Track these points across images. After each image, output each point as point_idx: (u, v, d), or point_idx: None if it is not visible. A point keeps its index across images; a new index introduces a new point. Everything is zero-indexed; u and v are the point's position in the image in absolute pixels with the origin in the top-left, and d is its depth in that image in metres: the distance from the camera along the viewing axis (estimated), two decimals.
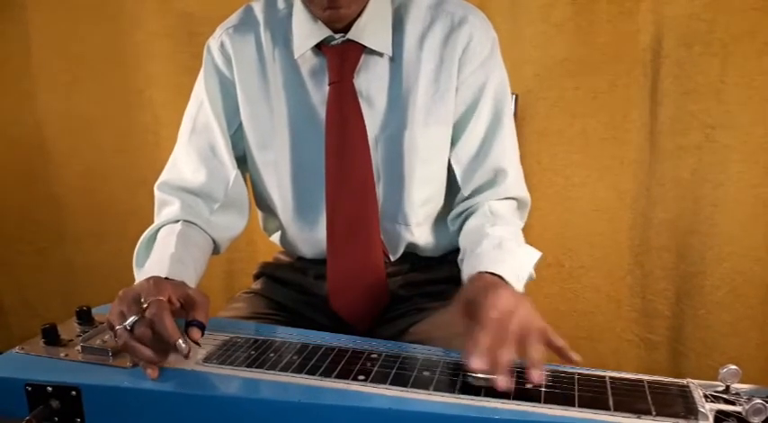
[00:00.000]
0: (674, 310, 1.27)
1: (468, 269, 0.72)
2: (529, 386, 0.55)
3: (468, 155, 0.84)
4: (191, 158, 0.85)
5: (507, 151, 0.84)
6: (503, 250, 0.73)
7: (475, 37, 0.81)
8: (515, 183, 0.84)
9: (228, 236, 0.88)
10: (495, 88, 0.83)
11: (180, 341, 0.59)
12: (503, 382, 0.54)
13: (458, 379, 0.57)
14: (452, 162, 0.84)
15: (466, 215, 0.84)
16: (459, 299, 0.65)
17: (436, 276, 0.90)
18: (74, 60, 1.57)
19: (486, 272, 0.68)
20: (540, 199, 1.30)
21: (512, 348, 0.56)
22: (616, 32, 1.18)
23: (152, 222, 0.84)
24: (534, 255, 0.77)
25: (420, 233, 0.87)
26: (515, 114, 1.17)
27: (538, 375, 0.55)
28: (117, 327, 0.61)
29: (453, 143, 0.84)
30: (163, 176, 0.87)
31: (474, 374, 0.55)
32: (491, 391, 0.54)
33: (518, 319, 0.58)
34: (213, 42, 0.86)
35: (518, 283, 0.70)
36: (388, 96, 0.82)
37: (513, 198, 0.85)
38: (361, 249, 0.83)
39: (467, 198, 0.85)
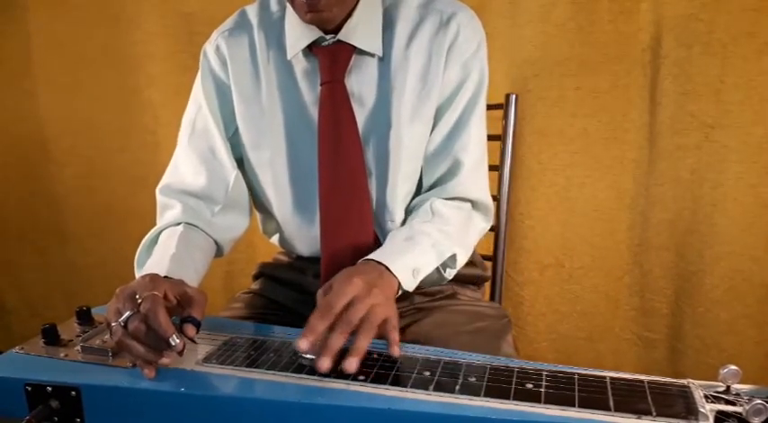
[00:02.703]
0: (673, 309, 1.27)
1: (371, 254, 0.73)
2: (529, 386, 0.55)
3: (432, 148, 0.85)
4: (191, 161, 0.86)
5: (468, 147, 0.84)
6: (411, 243, 0.74)
7: (462, 33, 0.81)
8: (470, 180, 0.84)
9: (231, 237, 0.89)
10: (473, 87, 0.84)
11: (174, 336, 0.59)
12: (323, 363, 0.56)
13: (458, 379, 0.57)
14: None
15: (413, 210, 0.85)
16: (329, 281, 0.66)
17: None
18: (74, 60, 1.57)
19: (373, 260, 0.70)
20: (540, 199, 1.30)
21: (342, 334, 0.58)
22: (616, 32, 1.18)
23: (153, 222, 0.85)
24: (445, 254, 0.78)
25: None
26: (515, 114, 1.17)
27: (351, 363, 0.57)
28: (112, 323, 0.61)
29: None
30: (164, 180, 0.88)
31: (303, 355, 0.57)
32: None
33: (359, 308, 0.60)
34: (209, 46, 0.87)
35: (411, 278, 0.71)
36: (377, 96, 0.82)
37: (465, 199, 0.85)
38: (353, 245, 0.83)
39: (424, 191, 0.86)
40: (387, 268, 0.69)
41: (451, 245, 0.79)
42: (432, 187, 0.86)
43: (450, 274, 0.81)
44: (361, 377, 0.58)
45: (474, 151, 0.85)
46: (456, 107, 0.83)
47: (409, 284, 0.72)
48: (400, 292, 0.71)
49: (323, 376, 0.58)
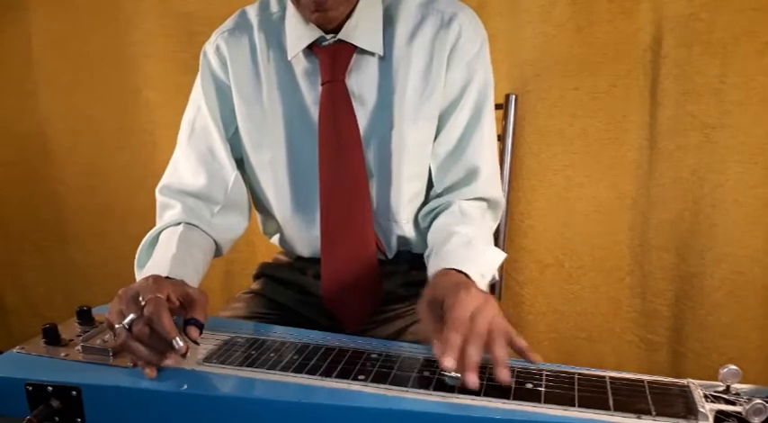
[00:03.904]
0: (674, 311, 1.27)
1: (434, 266, 0.73)
2: (529, 386, 0.55)
3: (444, 152, 0.84)
4: (190, 162, 0.86)
5: (483, 151, 0.84)
6: (470, 249, 0.74)
7: (464, 35, 0.81)
8: (488, 183, 0.85)
9: (230, 237, 0.89)
10: (479, 88, 0.84)
11: (177, 339, 0.59)
12: (472, 379, 0.55)
13: (459, 379, 0.57)
14: (430, 158, 0.85)
15: (436, 213, 0.85)
16: (425, 295, 0.66)
17: None
18: (75, 60, 1.58)
19: (453, 269, 0.69)
20: (540, 199, 1.30)
21: (480, 347, 0.57)
22: (616, 32, 1.18)
23: (153, 222, 0.85)
24: (500, 256, 0.78)
25: (410, 229, 0.87)
26: (515, 114, 1.17)
27: (506, 374, 0.56)
28: (116, 326, 0.61)
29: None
30: (163, 180, 0.88)
31: (447, 373, 0.56)
32: (466, 389, 0.55)
33: (485, 319, 0.59)
34: (209, 47, 0.87)
35: (482, 282, 0.71)
36: (378, 95, 0.82)
37: (483, 199, 0.85)
38: (354, 246, 0.83)
39: (438, 195, 0.86)
40: (467, 276, 0.68)
41: (493, 246, 0.80)
42: (448, 190, 0.85)
43: (497, 274, 0.81)
44: (361, 377, 0.58)
45: (489, 155, 0.85)
46: (464, 109, 0.83)
47: (484, 289, 0.71)
48: None
49: (474, 394, 0.55)
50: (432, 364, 0.60)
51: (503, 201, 0.89)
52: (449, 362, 0.55)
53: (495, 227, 0.90)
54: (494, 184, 0.87)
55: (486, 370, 0.59)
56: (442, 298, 0.62)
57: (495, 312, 0.61)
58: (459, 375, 0.55)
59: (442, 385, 0.56)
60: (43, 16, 1.57)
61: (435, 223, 0.83)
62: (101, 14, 1.52)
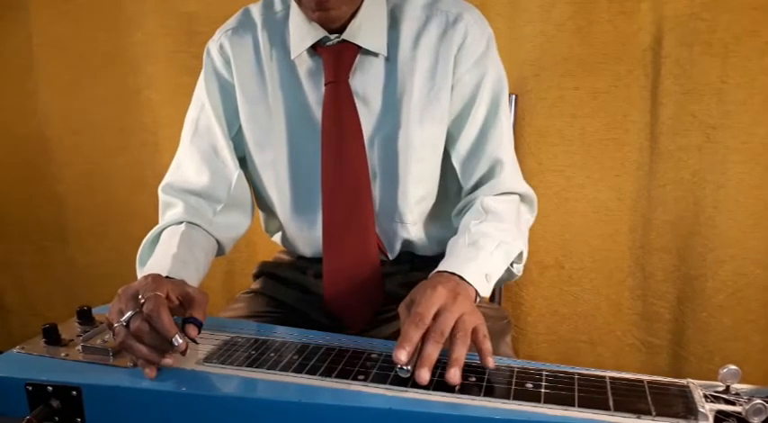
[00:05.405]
0: (675, 314, 1.26)
1: (439, 266, 0.72)
2: (529, 386, 0.55)
3: (465, 150, 0.84)
4: (193, 160, 0.86)
5: (504, 145, 0.84)
6: (475, 248, 0.73)
7: (470, 34, 0.81)
8: (512, 176, 0.84)
9: (232, 236, 0.89)
10: (492, 84, 0.83)
11: (177, 336, 0.59)
12: (424, 375, 0.56)
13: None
14: (452, 159, 0.85)
15: (464, 212, 0.84)
16: (408, 297, 0.65)
17: None
18: (75, 60, 1.57)
19: (446, 271, 0.68)
20: (540, 200, 1.28)
21: (438, 344, 0.58)
22: (616, 32, 1.18)
23: (154, 222, 0.85)
24: (512, 252, 0.77)
25: (416, 231, 0.87)
26: (515, 114, 1.17)
27: (453, 374, 0.56)
28: (114, 324, 0.61)
29: (452, 140, 0.85)
30: (166, 179, 0.88)
31: (400, 366, 0.56)
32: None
33: (450, 316, 0.59)
34: (212, 45, 0.87)
35: (485, 283, 0.70)
36: (383, 96, 0.82)
37: (512, 192, 0.84)
38: (356, 247, 0.83)
39: (468, 193, 0.86)
40: (461, 278, 0.68)
41: (513, 241, 0.77)
42: (475, 187, 0.85)
43: (518, 270, 0.80)
44: (361, 377, 0.58)
45: (509, 147, 0.85)
46: (480, 106, 0.83)
47: (485, 290, 0.70)
48: (478, 300, 0.69)
49: (424, 388, 0.56)
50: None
51: (532, 192, 0.87)
52: (401, 354, 0.56)
53: (531, 220, 0.88)
54: (518, 177, 0.86)
55: (486, 370, 0.59)
56: (416, 297, 0.62)
57: (466, 310, 0.61)
58: (409, 369, 0.56)
59: (443, 385, 0.56)
60: (43, 16, 1.57)
61: (461, 222, 0.82)
62: (101, 14, 1.52)
